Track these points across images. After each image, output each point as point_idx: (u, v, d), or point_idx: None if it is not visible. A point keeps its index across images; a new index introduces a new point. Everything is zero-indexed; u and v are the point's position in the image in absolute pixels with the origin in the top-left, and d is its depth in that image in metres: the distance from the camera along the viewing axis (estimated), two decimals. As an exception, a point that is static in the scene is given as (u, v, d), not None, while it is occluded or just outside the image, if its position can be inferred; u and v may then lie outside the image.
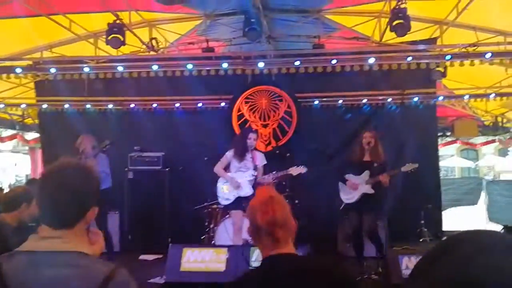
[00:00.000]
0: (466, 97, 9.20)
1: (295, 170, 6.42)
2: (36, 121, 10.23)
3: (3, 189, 12.54)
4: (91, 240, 1.71)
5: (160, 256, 6.85)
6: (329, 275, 1.87)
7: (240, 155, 6.15)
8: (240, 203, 6.04)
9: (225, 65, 7.14)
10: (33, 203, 3.67)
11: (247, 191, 6.11)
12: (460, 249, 0.78)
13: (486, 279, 0.70)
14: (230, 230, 6.46)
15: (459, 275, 0.73)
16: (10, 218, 3.52)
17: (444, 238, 0.96)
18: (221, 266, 4.82)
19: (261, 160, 6.34)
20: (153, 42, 7.49)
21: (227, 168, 6.26)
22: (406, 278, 0.87)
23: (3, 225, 3.46)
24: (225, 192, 6.18)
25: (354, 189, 6.09)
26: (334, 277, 1.87)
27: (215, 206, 7.45)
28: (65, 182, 1.58)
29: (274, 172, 6.54)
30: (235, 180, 6.10)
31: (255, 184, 6.15)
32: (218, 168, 6.24)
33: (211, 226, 7.31)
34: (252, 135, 6.18)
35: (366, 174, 6.03)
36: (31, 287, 1.46)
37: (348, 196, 6.15)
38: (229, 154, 6.22)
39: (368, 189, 5.97)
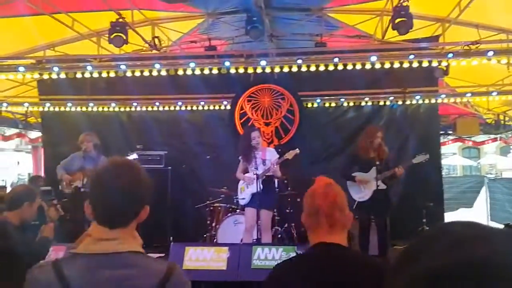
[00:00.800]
0: (468, 95, 9.18)
1: (290, 154, 6.44)
2: (39, 120, 10.25)
3: (6, 188, 12.59)
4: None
5: (162, 254, 6.86)
6: (379, 273, 1.83)
7: (247, 156, 6.23)
8: (254, 200, 6.15)
9: (227, 63, 7.14)
10: (35, 202, 3.69)
11: (258, 186, 6.23)
12: (437, 242, 0.79)
13: (463, 271, 0.72)
14: (232, 229, 6.50)
15: (438, 268, 0.74)
16: (13, 217, 3.52)
17: (422, 232, 0.97)
18: (222, 265, 4.82)
19: (271, 155, 6.40)
20: (156, 40, 7.49)
21: (245, 172, 6.39)
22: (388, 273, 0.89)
23: (6, 223, 3.46)
24: (242, 192, 6.36)
25: (364, 186, 6.14)
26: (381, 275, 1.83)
27: (216, 204, 7.47)
28: (119, 181, 1.59)
29: (273, 162, 6.49)
30: (249, 176, 6.24)
31: (260, 177, 6.20)
32: (237, 173, 6.43)
33: (213, 224, 7.32)
34: (254, 134, 6.22)
35: (373, 170, 6.06)
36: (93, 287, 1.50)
37: (360, 194, 6.20)
38: (241, 160, 6.37)
39: (380, 185, 6.02)
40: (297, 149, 6.42)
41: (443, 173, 9.69)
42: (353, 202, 6.16)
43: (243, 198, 6.32)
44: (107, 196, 1.60)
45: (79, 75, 7.60)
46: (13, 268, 2.74)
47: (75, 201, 6.46)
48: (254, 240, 6.23)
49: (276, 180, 6.52)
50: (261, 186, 6.05)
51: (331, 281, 1.83)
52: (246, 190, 6.30)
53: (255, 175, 6.09)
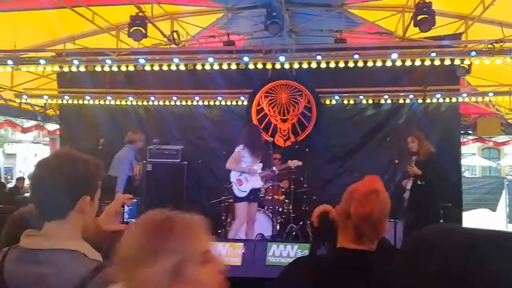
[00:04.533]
0: (490, 94, 9.00)
1: (294, 163, 6.78)
2: (58, 112, 10.34)
3: (25, 179, 12.75)
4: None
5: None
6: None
7: (253, 150, 6.30)
8: (255, 194, 6.38)
9: (246, 59, 7.09)
10: None
11: (259, 182, 6.45)
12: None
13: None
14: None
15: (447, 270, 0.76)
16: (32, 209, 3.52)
17: (416, 235, 0.95)
18: (237, 261, 4.80)
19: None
20: (175, 35, 7.49)
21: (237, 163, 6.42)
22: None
23: (31, 215, 3.46)
24: (242, 185, 6.32)
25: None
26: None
27: (231, 200, 7.44)
28: (50, 171, 1.56)
29: (276, 167, 6.78)
30: (252, 168, 6.30)
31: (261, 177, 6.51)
32: (231, 164, 6.38)
33: (228, 220, 7.30)
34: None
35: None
36: (17, 281, 1.49)
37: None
38: (240, 149, 6.33)
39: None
40: (301, 162, 6.80)
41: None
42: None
43: (244, 191, 6.32)
44: (36, 186, 1.58)
45: (98, 69, 7.62)
46: None
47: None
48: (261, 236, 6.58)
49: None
50: (262, 182, 6.41)
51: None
52: (246, 183, 6.33)
53: (259, 172, 6.36)
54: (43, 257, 1.49)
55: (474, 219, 10.62)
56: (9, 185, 13.41)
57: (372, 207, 1.76)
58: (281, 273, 1.90)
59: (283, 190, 7.53)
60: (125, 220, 1.76)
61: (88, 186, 1.61)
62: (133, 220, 1.74)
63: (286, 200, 7.46)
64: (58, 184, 1.53)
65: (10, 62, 7.28)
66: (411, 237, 0.96)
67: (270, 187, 7.23)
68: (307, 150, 7.63)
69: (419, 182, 6.11)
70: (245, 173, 6.32)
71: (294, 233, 7.16)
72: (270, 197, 7.19)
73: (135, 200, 1.78)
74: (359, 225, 1.77)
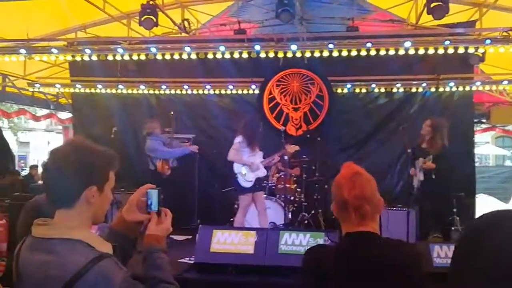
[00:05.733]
0: (505, 82, 8.87)
1: (291, 148, 6.86)
2: (70, 101, 10.42)
3: (38, 166, 12.89)
4: (160, 220, 1.73)
5: (189, 236, 6.91)
6: (408, 262, 1.85)
7: (250, 141, 6.38)
8: (260, 184, 6.54)
9: (257, 47, 7.06)
10: None
11: (263, 171, 6.55)
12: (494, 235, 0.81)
13: None
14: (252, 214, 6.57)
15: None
16: None
17: (472, 224, 0.95)
18: (249, 249, 4.82)
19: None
20: (185, 23, 7.47)
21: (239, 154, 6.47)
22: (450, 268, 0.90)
23: (41, 206, 3.50)
24: (245, 175, 6.39)
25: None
26: (411, 264, 1.85)
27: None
28: (57, 159, 1.58)
29: (275, 154, 6.85)
30: (255, 162, 6.38)
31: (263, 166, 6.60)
32: (234, 156, 6.40)
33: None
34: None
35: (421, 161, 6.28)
36: (26, 269, 1.55)
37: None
38: (240, 139, 6.39)
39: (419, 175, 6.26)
40: (298, 146, 6.87)
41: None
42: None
43: (250, 181, 6.39)
44: (45, 174, 1.61)
45: (110, 57, 7.64)
46: None
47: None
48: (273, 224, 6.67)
49: None
50: (265, 171, 6.58)
51: (366, 269, 1.81)
52: (250, 174, 6.39)
53: (261, 161, 6.47)
54: (46, 246, 1.51)
55: (487, 206, 10.55)
56: (23, 173, 13.57)
57: (361, 186, 1.89)
58: (304, 260, 1.95)
59: (294, 178, 7.54)
60: (148, 210, 1.75)
61: (95, 176, 1.60)
62: (156, 209, 1.74)
63: (298, 189, 7.48)
64: (64, 172, 1.55)
65: (23, 51, 7.33)
66: (470, 222, 1.01)
67: (282, 176, 7.24)
68: (319, 139, 7.62)
69: (432, 176, 6.06)
70: (248, 165, 6.39)
71: (306, 222, 7.18)
72: (282, 186, 7.21)
73: (157, 189, 1.77)
74: (359, 206, 1.87)
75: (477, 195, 8.89)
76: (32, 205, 3.51)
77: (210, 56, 7.46)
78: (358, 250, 1.87)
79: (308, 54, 7.51)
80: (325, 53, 7.27)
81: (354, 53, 7.15)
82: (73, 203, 1.57)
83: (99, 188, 1.60)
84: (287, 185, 7.19)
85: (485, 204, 10.77)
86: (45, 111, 13.44)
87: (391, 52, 7.09)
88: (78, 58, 7.92)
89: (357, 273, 1.81)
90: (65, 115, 13.87)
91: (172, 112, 7.61)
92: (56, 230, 1.53)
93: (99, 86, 9.37)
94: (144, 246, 1.65)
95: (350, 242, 1.92)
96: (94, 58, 7.67)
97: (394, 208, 6.96)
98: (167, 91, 9.33)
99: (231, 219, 7.40)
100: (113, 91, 9.46)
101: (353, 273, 1.81)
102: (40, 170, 12.17)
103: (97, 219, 1.66)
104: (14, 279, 1.58)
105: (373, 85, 8.66)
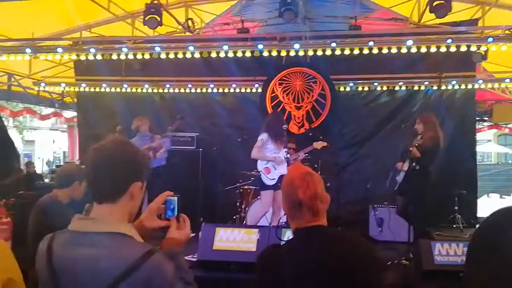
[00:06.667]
0: (507, 80, 8.88)
1: (319, 144, 6.88)
2: (75, 100, 10.49)
3: (33, 163, 12.99)
4: (180, 225, 1.79)
5: (193, 234, 6.96)
6: (358, 248, 2.01)
7: (276, 138, 6.32)
8: (278, 182, 6.31)
9: (260, 46, 7.10)
10: (84, 182, 3.79)
11: (286, 168, 6.40)
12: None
13: None
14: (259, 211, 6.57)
15: None
16: (62, 195, 3.61)
17: (485, 224, 0.98)
18: (252, 246, 4.87)
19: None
20: (189, 22, 7.52)
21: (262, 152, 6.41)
22: (464, 265, 0.92)
23: (55, 202, 3.57)
24: (271, 173, 6.33)
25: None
26: (360, 250, 2.00)
27: (246, 187, 7.52)
28: (103, 155, 1.63)
29: (302, 150, 6.89)
30: (279, 157, 6.30)
31: (289, 163, 6.36)
32: (257, 153, 6.36)
33: (243, 206, 7.39)
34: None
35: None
36: (67, 264, 1.55)
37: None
38: (264, 137, 6.34)
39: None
40: (326, 143, 6.86)
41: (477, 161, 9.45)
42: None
43: (273, 179, 6.32)
44: (91, 169, 1.65)
45: (114, 57, 7.71)
46: None
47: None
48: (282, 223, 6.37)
49: None
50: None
51: (320, 262, 1.91)
52: (274, 171, 6.32)
53: (286, 158, 6.22)
54: (95, 240, 1.54)
55: (489, 204, 10.56)
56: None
57: (315, 186, 2.02)
58: (258, 259, 2.06)
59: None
60: (166, 216, 1.81)
61: (140, 173, 1.69)
62: (174, 216, 1.80)
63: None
64: (114, 168, 1.62)
65: (28, 50, 7.39)
66: (484, 222, 1.04)
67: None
68: (321, 137, 7.65)
69: (415, 166, 6.05)
70: (272, 161, 6.34)
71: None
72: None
73: (176, 197, 1.82)
74: (312, 205, 2.00)
75: (489, 195, 8.89)
76: (42, 204, 3.59)
77: (213, 55, 7.50)
78: (312, 242, 1.98)
79: (311, 53, 7.54)
80: (328, 52, 7.28)
81: (356, 51, 7.16)
82: (118, 198, 1.63)
83: (142, 185, 1.69)
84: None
85: (487, 202, 10.79)
86: (50, 110, 13.54)
87: (394, 50, 7.10)
88: (83, 57, 7.96)
89: (310, 267, 1.90)
90: (70, 114, 13.97)
91: (179, 116, 7.61)
92: (102, 224, 1.57)
93: (104, 85, 9.45)
94: (164, 249, 1.69)
95: (304, 237, 2.02)
96: (99, 57, 7.73)
97: (396, 206, 7.00)
98: (171, 90, 9.40)
99: (234, 217, 7.46)
100: (118, 90, 9.54)
101: (306, 267, 1.90)
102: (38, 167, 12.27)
103: (131, 215, 1.71)
104: (45, 276, 1.58)
105: (376, 84, 8.70)
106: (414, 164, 6.03)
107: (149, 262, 1.48)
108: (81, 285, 1.51)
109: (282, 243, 2.18)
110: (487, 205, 10.22)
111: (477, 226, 0.92)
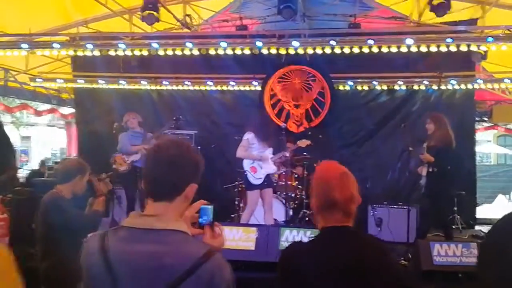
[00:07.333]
0: (507, 81, 8.84)
1: (303, 142, 6.87)
2: (72, 96, 10.42)
3: (45, 164, 12.91)
4: (214, 234, 1.81)
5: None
6: (386, 254, 2.02)
7: (261, 137, 6.32)
8: (269, 180, 6.41)
9: (259, 44, 7.04)
10: (86, 176, 3.79)
11: (273, 167, 6.48)
12: None
13: None
14: (260, 210, 6.51)
15: None
16: (65, 189, 3.66)
17: (497, 227, 0.95)
18: (250, 245, 4.85)
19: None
20: (187, 19, 7.47)
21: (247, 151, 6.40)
22: (475, 266, 0.94)
23: (59, 197, 3.61)
24: (257, 172, 6.30)
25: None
26: (388, 256, 2.03)
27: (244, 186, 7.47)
28: (164, 154, 1.66)
29: (285, 150, 6.80)
30: (265, 155, 6.32)
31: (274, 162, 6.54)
32: (242, 153, 6.35)
33: (241, 205, 7.34)
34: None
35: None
36: (127, 260, 1.55)
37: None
38: (250, 136, 6.32)
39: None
40: (309, 141, 6.83)
41: (476, 162, 9.41)
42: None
43: (259, 178, 6.31)
44: (151, 167, 1.68)
45: (112, 53, 7.64)
46: (70, 241, 2.83)
47: (131, 176, 6.77)
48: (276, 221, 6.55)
49: None
50: (275, 167, 6.46)
51: (347, 264, 1.89)
52: (260, 170, 6.31)
53: (271, 157, 6.37)
54: (155, 237, 1.55)
55: (488, 205, 10.56)
56: (26, 167, 13.59)
57: (351, 187, 1.99)
58: (280, 257, 2.03)
59: (296, 176, 7.54)
60: (201, 225, 1.83)
61: (197, 175, 1.72)
62: (209, 224, 1.82)
63: (299, 186, 7.48)
64: (175, 169, 1.65)
65: (25, 45, 7.32)
66: (495, 225, 1.08)
67: (284, 173, 7.24)
68: (320, 136, 7.61)
69: (431, 169, 6.02)
70: (258, 160, 6.31)
71: (307, 219, 7.19)
72: (283, 183, 7.22)
73: (211, 206, 1.86)
74: (347, 206, 1.96)
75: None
76: (47, 201, 3.61)
77: (212, 52, 7.44)
78: (342, 243, 1.96)
79: (310, 51, 7.49)
80: (327, 50, 7.23)
81: (356, 50, 7.12)
82: (175, 197, 1.65)
83: (196, 187, 1.71)
84: (289, 182, 7.19)
85: (486, 203, 10.78)
86: (47, 106, 13.45)
87: (393, 49, 7.06)
88: (80, 53, 7.89)
89: (337, 269, 1.88)
90: (67, 110, 13.88)
91: (175, 118, 7.53)
92: (163, 222, 1.58)
93: (101, 81, 9.37)
94: None
95: (333, 236, 1.99)
96: (96, 53, 7.65)
97: (395, 206, 6.96)
98: (169, 87, 9.34)
99: (232, 216, 7.42)
100: (115, 86, 9.47)
101: (333, 268, 1.88)
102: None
103: (182, 216, 1.73)
104: (99, 272, 1.56)
105: (375, 83, 8.67)
106: (431, 169, 6.00)
107: (211, 260, 1.52)
108: (141, 280, 1.52)
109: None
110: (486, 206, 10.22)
111: (490, 227, 0.93)
